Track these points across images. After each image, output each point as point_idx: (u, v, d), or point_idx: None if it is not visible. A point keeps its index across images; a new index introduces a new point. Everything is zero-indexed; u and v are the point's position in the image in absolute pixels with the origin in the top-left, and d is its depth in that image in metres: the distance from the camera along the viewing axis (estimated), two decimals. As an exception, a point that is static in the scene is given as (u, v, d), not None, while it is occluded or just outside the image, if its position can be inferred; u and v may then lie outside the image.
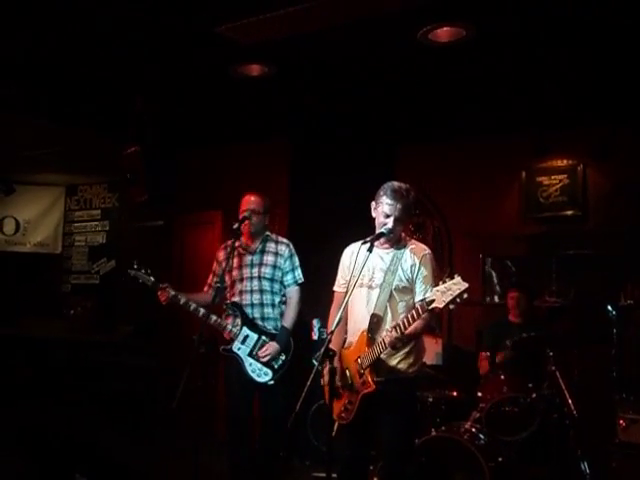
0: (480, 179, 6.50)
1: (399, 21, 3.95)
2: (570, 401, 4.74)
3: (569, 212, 6.06)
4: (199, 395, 3.95)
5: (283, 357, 4.31)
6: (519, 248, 6.25)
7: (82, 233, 8.84)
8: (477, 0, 3.72)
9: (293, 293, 4.46)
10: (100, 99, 5.53)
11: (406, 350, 3.38)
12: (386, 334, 3.22)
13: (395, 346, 3.23)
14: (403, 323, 3.16)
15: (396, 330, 3.16)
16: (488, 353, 5.35)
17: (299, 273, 4.50)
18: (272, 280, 4.41)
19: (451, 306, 3.01)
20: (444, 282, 3.03)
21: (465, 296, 2.99)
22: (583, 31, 4.06)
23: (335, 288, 3.71)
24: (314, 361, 5.66)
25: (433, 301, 3.03)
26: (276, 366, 4.28)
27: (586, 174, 6.03)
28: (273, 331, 4.36)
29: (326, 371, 3.25)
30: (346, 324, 3.57)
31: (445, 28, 4.03)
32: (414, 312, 3.14)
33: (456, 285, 2.99)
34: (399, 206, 3.38)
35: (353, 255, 3.49)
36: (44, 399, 7.12)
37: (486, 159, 6.44)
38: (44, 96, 5.49)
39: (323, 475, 5.10)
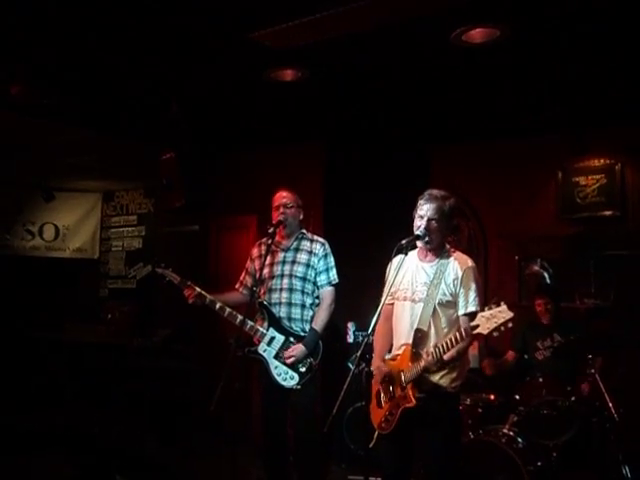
0: (515, 180, 6.42)
1: (432, 24, 3.94)
2: (610, 404, 4.66)
3: (607, 212, 5.95)
4: (237, 398, 3.95)
5: (310, 360, 4.12)
6: (556, 249, 6.17)
7: (119, 238, 8.98)
8: (511, 0, 3.70)
9: (326, 294, 4.29)
10: (136, 106, 5.62)
11: (450, 366, 3.35)
12: (424, 357, 3.23)
13: (429, 371, 3.24)
14: (443, 346, 3.17)
15: (433, 356, 3.18)
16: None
17: (334, 274, 4.33)
18: (304, 279, 4.25)
19: (495, 333, 2.99)
20: (490, 308, 3.01)
21: (510, 325, 2.97)
22: (620, 28, 4.00)
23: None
24: (349, 364, 5.69)
25: (477, 326, 3.01)
26: (302, 369, 4.10)
27: (624, 173, 5.92)
28: (301, 333, 4.19)
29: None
30: (391, 335, 3.57)
31: (478, 29, 4.00)
32: (458, 335, 3.13)
33: (501, 313, 2.97)
34: (432, 206, 3.39)
35: (392, 267, 3.50)
36: (84, 402, 7.24)
37: (521, 159, 6.37)
38: (82, 104, 5.58)
39: (360, 478, 5.12)
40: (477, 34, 4.07)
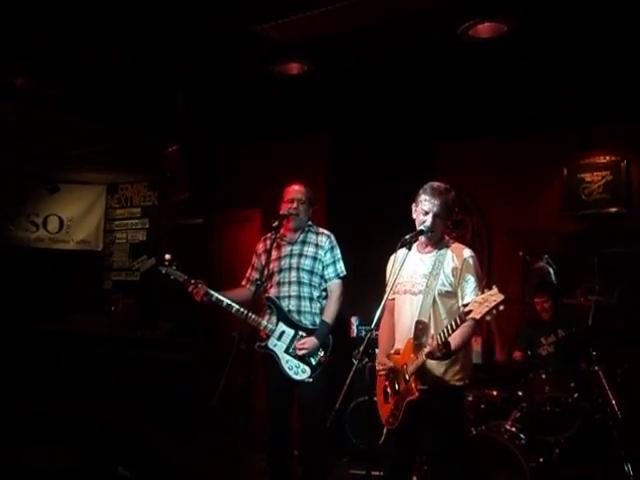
0: (520, 176, 6.41)
1: (439, 18, 3.92)
2: (614, 401, 4.65)
3: (612, 209, 5.94)
4: (239, 392, 3.94)
5: (321, 353, 4.10)
6: (560, 246, 6.15)
7: (123, 231, 9.00)
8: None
9: (335, 287, 4.24)
10: (141, 99, 5.61)
11: (452, 358, 3.30)
12: (429, 342, 3.15)
13: (434, 355, 3.12)
14: (444, 332, 3.09)
15: (438, 340, 3.08)
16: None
17: (341, 266, 4.28)
18: (312, 272, 4.21)
19: (488, 317, 2.94)
20: (482, 293, 2.98)
21: (501, 308, 2.91)
22: (627, 25, 3.98)
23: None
24: (354, 359, 5.67)
25: (471, 311, 2.97)
26: (314, 362, 4.09)
27: (629, 170, 5.91)
28: (310, 326, 4.16)
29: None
30: (394, 330, 3.54)
31: (486, 24, 3.98)
32: (452, 322, 3.08)
33: (492, 296, 2.91)
34: (437, 202, 3.35)
35: (395, 261, 3.45)
36: (86, 394, 7.26)
37: (527, 155, 6.35)
38: (87, 96, 5.58)
39: (362, 472, 5.12)
40: (484, 29, 4.06)
